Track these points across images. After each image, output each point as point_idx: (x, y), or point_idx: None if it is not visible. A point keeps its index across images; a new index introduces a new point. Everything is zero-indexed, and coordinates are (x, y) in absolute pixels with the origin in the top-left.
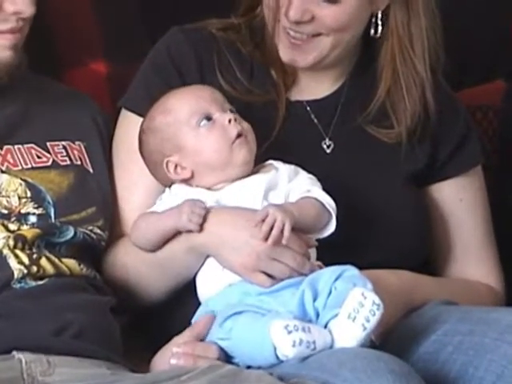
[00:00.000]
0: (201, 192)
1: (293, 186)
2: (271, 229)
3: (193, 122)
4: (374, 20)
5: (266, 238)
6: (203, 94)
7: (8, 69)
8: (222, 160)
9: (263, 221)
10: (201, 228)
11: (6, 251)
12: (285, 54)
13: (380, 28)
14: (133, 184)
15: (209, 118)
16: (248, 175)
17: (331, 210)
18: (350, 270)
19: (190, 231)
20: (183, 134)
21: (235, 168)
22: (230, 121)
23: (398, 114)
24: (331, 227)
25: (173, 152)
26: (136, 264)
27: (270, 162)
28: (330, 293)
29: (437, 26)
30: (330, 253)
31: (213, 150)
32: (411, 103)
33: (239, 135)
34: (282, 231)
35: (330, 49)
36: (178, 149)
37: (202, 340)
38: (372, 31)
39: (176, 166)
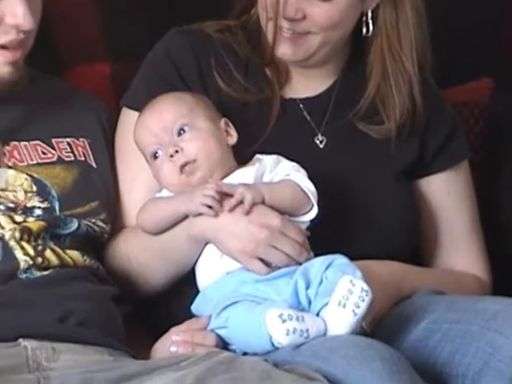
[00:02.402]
0: None
1: (275, 172)
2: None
3: (148, 156)
4: (364, 19)
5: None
6: (153, 122)
7: (8, 84)
8: (179, 186)
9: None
10: (216, 213)
11: (12, 243)
12: (277, 48)
13: (371, 27)
14: (134, 179)
15: (157, 153)
16: (235, 170)
17: (309, 193)
18: (340, 259)
19: (199, 215)
20: (148, 165)
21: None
22: (171, 156)
23: (388, 109)
24: (313, 211)
25: None
26: (137, 254)
27: (256, 156)
28: (321, 282)
29: (424, 24)
30: (322, 244)
31: (167, 181)
32: (400, 99)
33: (183, 166)
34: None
35: (319, 46)
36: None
37: (204, 327)
38: (364, 30)
39: None
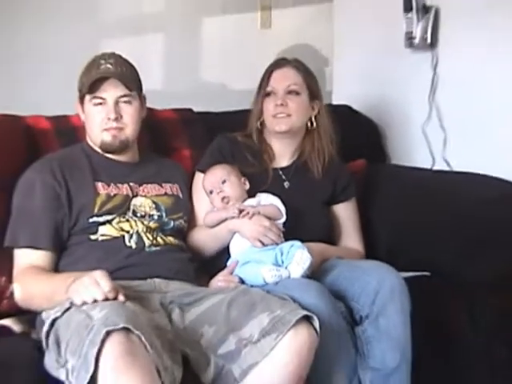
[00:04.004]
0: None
1: (267, 201)
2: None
3: (207, 193)
4: (308, 119)
5: (244, 216)
6: (211, 177)
7: (111, 146)
8: (222, 207)
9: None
10: (238, 215)
11: (142, 234)
12: (273, 125)
13: (314, 125)
14: (200, 204)
15: (212, 191)
16: (247, 200)
17: (282, 210)
18: (298, 243)
19: (232, 218)
20: (207, 196)
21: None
22: (218, 193)
23: (315, 164)
24: (284, 218)
25: None
26: (203, 238)
27: (257, 194)
28: (289, 252)
29: (331, 128)
30: (288, 235)
31: (216, 205)
32: (320, 159)
33: (222, 199)
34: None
35: (292, 124)
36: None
37: (232, 273)
38: (309, 125)
39: None
